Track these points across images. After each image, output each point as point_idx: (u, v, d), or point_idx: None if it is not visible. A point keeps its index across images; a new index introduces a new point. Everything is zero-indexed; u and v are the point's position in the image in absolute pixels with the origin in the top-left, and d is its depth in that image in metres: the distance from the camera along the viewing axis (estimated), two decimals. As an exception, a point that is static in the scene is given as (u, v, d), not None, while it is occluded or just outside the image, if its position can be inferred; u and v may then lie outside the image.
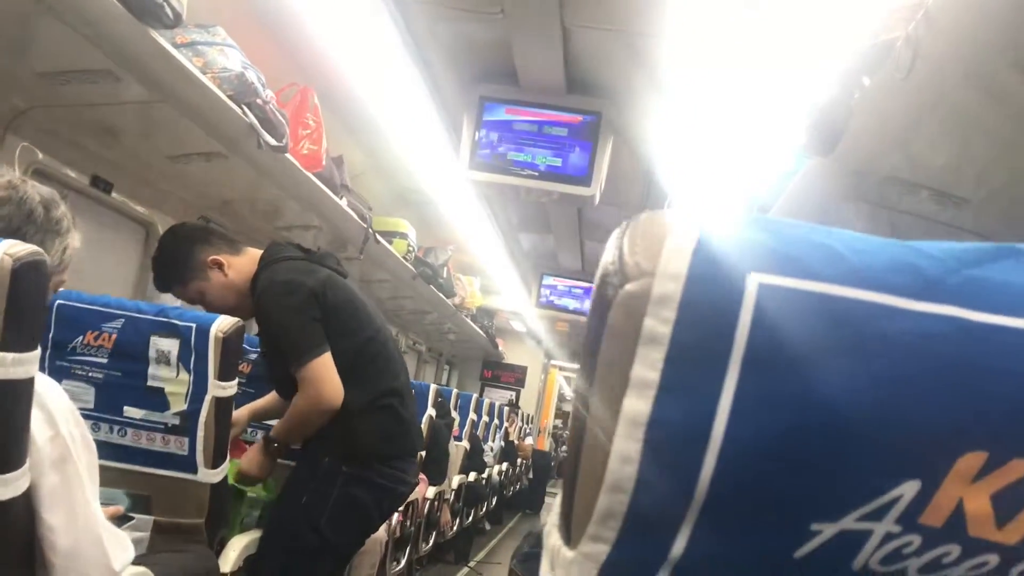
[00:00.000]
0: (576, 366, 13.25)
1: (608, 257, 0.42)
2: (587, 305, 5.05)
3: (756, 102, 2.70)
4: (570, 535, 0.44)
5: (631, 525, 0.41)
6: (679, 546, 0.41)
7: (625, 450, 0.40)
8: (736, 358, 0.39)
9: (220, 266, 2.31)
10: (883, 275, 0.40)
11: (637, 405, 0.40)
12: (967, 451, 0.39)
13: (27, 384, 1.26)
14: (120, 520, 1.81)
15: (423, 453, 4.38)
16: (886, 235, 0.43)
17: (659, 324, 0.39)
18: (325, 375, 2.25)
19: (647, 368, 0.40)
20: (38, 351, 1.29)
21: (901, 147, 2.02)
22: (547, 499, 11.51)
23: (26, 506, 1.30)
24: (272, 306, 2.26)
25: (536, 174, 3.65)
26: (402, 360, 2.58)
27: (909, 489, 0.40)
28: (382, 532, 3.51)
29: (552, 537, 0.46)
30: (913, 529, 0.41)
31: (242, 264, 2.35)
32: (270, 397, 2.61)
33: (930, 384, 0.39)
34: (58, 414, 1.36)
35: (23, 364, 1.24)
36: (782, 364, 0.39)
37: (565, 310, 7.81)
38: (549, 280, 7.79)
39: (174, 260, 2.30)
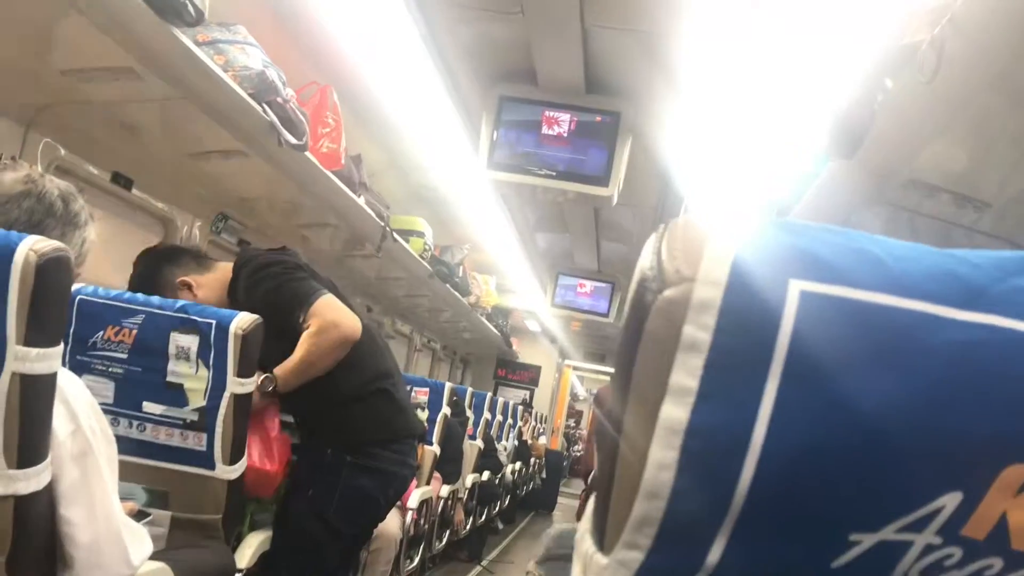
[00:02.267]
0: (590, 366, 13.25)
1: (645, 262, 0.42)
2: (602, 305, 5.05)
3: (777, 103, 2.68)
4: (604, 541, 0.44)
5: (667, 532, 0.41)
6: (715, 554, 0.41)
7: (662, 457, 0.40)
8: (777, 366, 0.38)
9: (189, 287, 2.33)
10: (925, 283, 0.39)
11: (675, 412, 0.39)
12: (1011, 463, 0.39)
13: (50, 379, 1.27)
14: (138, 515, 1.82)
15: (437, 452, 4.38)
16: (906, 239, 0.42)
17: (699, 331, 0.39)
18: (339, 307, 2.25)
19: (686, 375, 0.39)
20: (61, 346, 1.30)
21: (923, 150, 2.00)
22: (560, 499, 11.52)
23: (48, 500, 1.31)
24: (261, 280, 2.28)
25: (554, 174, 3.64)
26: (388, 347, 2.61)
27: (951, 501, 0.39)
28: (396, 529, 3.52)
29: (585, 543, 0.46)
30: (954, 541, 0.40)
31: (211, 281, 2.37)
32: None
33: (974, 395, 0.38)
34: (79, 409, 1.36)
35: (46, 359, 1.25)
36: (823, 373, 0.38)
37: (580, 310, 7.78)
38: (565, 279, 7.77)
39: (145, 283, 2.31)
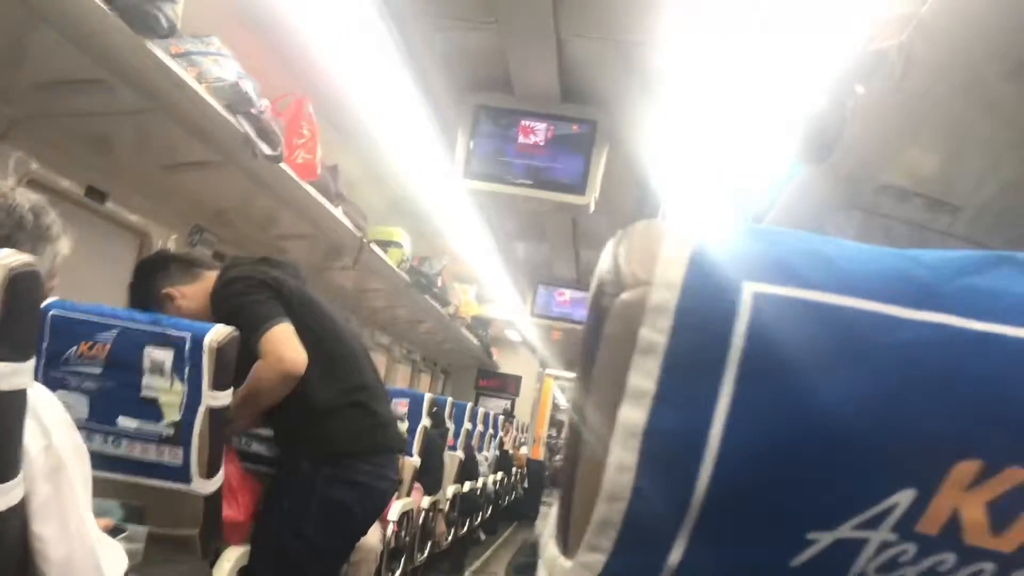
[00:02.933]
0: (571, 375, 13.25)
1: (604, 266, 0.42)
2: (582, 314, 5.04)
3: (750, 110, 2.71)
4: (567, 545, 0.44)
5: (628, 534, 0.41)
6: (676, 555, 0.41)
7: (622, 459, 0.40)
8: (732, 367, 0.39)
9: (172, 298, 2.33)
10: (877, 283, 0.40)
11: (633, 414, 0.40)
12: (962, 459, 0.39)
13: (21, 395, 1.25)
14: (114, 531, 1.80)
15: (417, 463, 4.37)
16: (880, 243, 0.43)
17: (655, 333, 0.39)
18: (287, 340, 2.21)
19: (643, 377, 0.40)
20: (32, 361, 1.28)
21: (895, 155, 2.02)
22: (542, 508, 11.50)
23: (20, 518, 1.30)
24: (227, 296, 2.27)
25: (531, 183, 3.65)
26: (369, 359, 2.59)
27: (904, 498, 0.40)
28: (377, 542, 3.50)
29: (549, 547, 0.46)
30: (909, 537, 0.41)
31: (195, 292, 2.36)
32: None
33: (924, 392, 0.39)
34: (51, 424, 1.35)
35: (18, 374, 1.24)
36: (778, 373, 0.39)
37: (560, 319, 7.80)
38: (544, 289, 7.78)
39: (138, 293, 2.36)
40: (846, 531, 0.41)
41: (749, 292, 0.39)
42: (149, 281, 2.36)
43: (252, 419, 2.39)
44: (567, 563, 0.44)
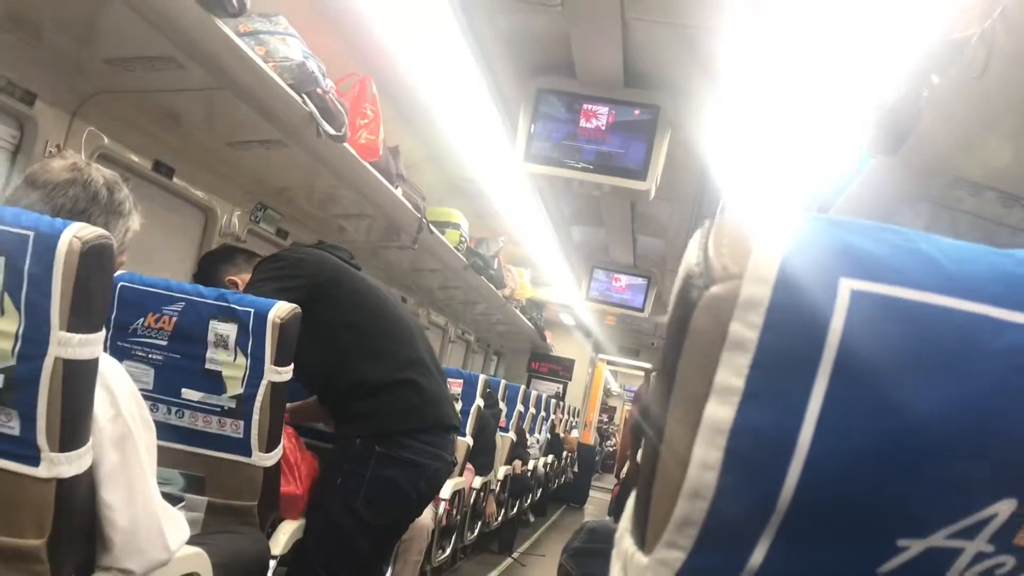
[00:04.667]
0: (624, 360, 13.21)
1: (692, 258, 0.41)
2: (638, 300, 5.01)
3: (819, 98, 2.65)
4: (644, 540, 0.43)
5: (709, 533, 0.40)
6: (758, 556, 0.40)
7: (705, 457, 0.39)
8: (826, 366, 0.38)
9: (236, 284, 2.44)
10: (984, 284, 0.38)
11: (720, 412, 0.39)
12: None
13: (92, 364, 1.29)
14: (175, 500, 1.84)
15: (470, 443, 4.39)
16: (948, 237, 0.41)
17: (746, 329, 0.38)
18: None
19: (732, 374, 0.39)
20: (103, 332, 1.31)
21: (970, 147, 1.97)
22: (592, 493, 11.51)
23: (88, 484, 1.33)
24: (255, 280, 2.36)
25: (591, 167, 3.62)
26: (424, 338, 2.62)
27: (1004, 508, 0.38)
28: (429, 520, 3.54)
29: (625, 542, 0.45)
30: (1007, 550, 0.39)
31: None
32: (308, 400, 2.64)
33: None
34: (120, 394, 1.39)
35: (88, 345, 1.27)
36: (874, 374, 0.37)
37: (615, 304, 7.75)
38: (600, 273, 7.73)
39: (204, 280, 2.46)
40: (939, 540, 0.39)
41: (846, 289, 0.38)
42: (214, 269, 2.49)
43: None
44: (644, 559, 0.43)
